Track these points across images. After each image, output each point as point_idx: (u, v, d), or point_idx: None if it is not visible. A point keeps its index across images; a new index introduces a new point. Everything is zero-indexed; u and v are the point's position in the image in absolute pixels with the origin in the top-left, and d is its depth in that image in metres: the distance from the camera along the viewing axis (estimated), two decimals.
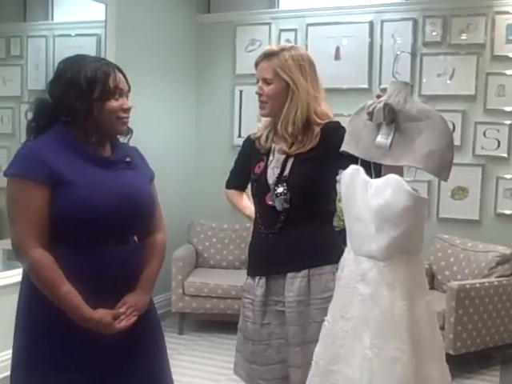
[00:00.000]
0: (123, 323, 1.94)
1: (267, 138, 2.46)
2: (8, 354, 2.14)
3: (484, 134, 4.71)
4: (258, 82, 2.41)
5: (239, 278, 4.41)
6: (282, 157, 2.40)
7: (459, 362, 3.82)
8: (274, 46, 2.44)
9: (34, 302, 1.93)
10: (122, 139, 2.11)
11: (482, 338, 4.06)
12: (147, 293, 2.06)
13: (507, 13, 4.63)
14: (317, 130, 2.35)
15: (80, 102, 1.90)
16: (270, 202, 2.37)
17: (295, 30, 5.22)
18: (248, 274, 2.50)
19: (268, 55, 2.37)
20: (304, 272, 2.35)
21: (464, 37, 4.74)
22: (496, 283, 4.11)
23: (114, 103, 1.95)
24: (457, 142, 4.56)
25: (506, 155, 4.68)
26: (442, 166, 1.95)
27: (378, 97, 2.09)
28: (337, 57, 5.08)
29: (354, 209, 2.08)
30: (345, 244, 2.20)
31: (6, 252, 3.89)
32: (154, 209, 2.12)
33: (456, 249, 4.51)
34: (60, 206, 1.87)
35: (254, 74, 2.43)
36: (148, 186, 2.12)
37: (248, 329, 2.44)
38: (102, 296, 1.91)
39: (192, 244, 5.22)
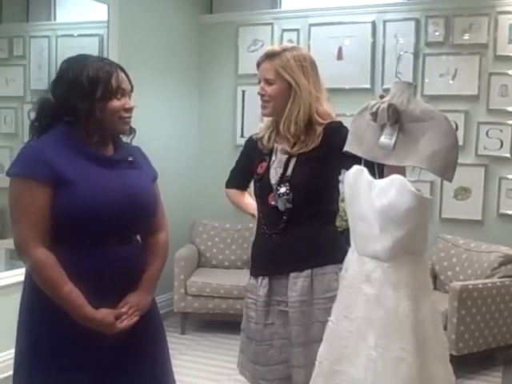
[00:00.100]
0: (125, 323, 1.94)
1: (269, 138, 2.46)
2: (10, 353, 2.14)
3: (487, 134, 4.71)
4: (259, 83, 2.41)
5: (241, 278, 4.42)
6: (285, 157, 2.39)
7: (461, 363, 3.81)
8: (276, 47, 2.44)
9: (37, 302, 1.93)
10: (124, 139, 2.12)
11: (484, 339, 4.06)
12: (149, 293, 2.06)
13: (510, 13, 4.62)
14: (319, 129, 2.35)
15: (82, 102, 1.90)
16: (273, 202, 2.37)
17: (297, 30, 5.21)
18: (251, 274, 2.50)
19: (270, 55, 2.37)
20: (307, 272, 2.34)
21: (467, 37, 4.73)
22: (499, 284, 4.11)
23: (116, 103, 1.95)
24: (460, 142, 4.50)
25: (508, 155, 4.67)
26: (446, 167, 1.95)
27: (381, 97, 2.08)
28: (339, 57, 5.08)
29: (357, 209, 2.07)
30: (347, 244, 2.20)
31: (8, 251, 3.89)
32: (156, 208, 2.11)
33: (459, 249, 4.50)
34: (62, 205, 1.87)
35: (257, 75, 2.43)
36: (150, 185, 2.12)
37: (251, 329, 2.44)
38: (104, 296, 1.91)
39: (194, 244, 5.22)
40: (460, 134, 4.63)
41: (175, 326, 4.77)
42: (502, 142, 4.67)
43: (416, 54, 4.79)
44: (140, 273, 2.05)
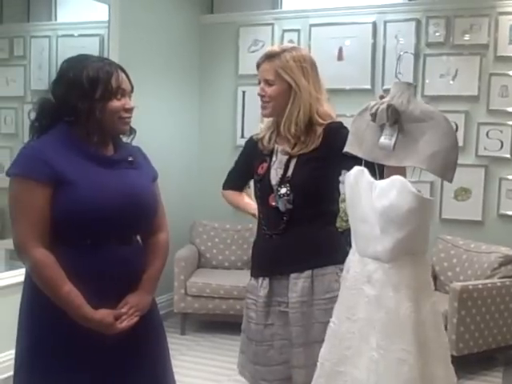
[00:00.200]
0: (125, 323, 1.94)
1: (270, 138, 2.46)
2: (11, 354, 2.14)
3: (487, 134, 4.71)
4: (259, 83, 2.41)
5: (241, 279, 4.42)
6: (285, 157, 2.39)
7: (461, 363, 3.80)
8: (276, 47, 2.43)
9: (37, 303, 1.93)
10: (125, 139, 2.11)
11: (484, 339, 4.06)
12: (149, 293, 2.06)
13: (510, 13, 4.62)
14: (319, 130, 2.35)
15: (82, 102, 1.90)
16: (274, 203, 2.37)
17: (298, 31, 5.22)
18: (251, 275, 2.50)
19: (269, 56, 2.37)
20: (307, 273, 2.34)
21: (467, 37, 4.73)
22: (499, 284, 4.11)
23: (116, 103, 1.95)
24: (460, 143, 4.51)
25: (509, 156, 4.67)
26: (446, 167, 1.94)
27: (381, 97, 2.08)
28: (340, 57, 5.08)
29: (358, 210, 2.07)
30: (348, 245, 2.19)
31: (8, 252, 3.89)
32: (156, 208, 2.11)
33: (459, 250, 4.50)
34: (62, 205, 1.87)
35: (257, 75, 2.43)
36: (151, 185, 2.12)
37: (251, 329, 2.44)
38: (104, 296, 1.91)
39: (194, 244, 5.22)
40: (460, 134, 4.63)
41: (175, 327, 4.77)
42: (502, 142, 4.67)
43: (416, 55, 4.79)
44: (140, 273, 2.05)
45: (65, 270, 1.86)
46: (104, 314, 1.90)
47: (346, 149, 2.15)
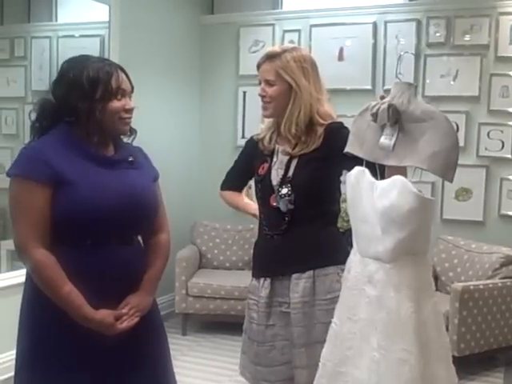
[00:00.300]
0: (125, 324, 1.94)
1: (270, 139, 2.46)
2: (12, 354, 2.14)
3: (488, 135, 4.70)
4: (260, 84, 2.41)
5: (242, 279, 4.43)
6: (286, 158, 2.39)
7: (463, 364, 3.79)
8: (276, 48, 2.44)
9: (37, 303, 1.93)
10: (125, 139, 2.11)
11: (485, 340, 4.05)
12: (150, 294, 2.06)
13: (511, 13, 4.61)
14: (320, 130, 2.35)
15: (82, 102, 1.90)
16: (275, 204, 2.37)
17: (299, 31, 5.21)
18: (253, 276, 2.50)
19: (270, 57, 2.37)
20: (309, 273, 2.34)
21: (468, 38, 4.73)
22: (500, 284, 4.10)
23: (116, 103, 1.95)
24: (461, 143, 4.49)
25: (509, 156, 4.66)
26: (446, 167, 1.94)
27: (382, 98, 2.08)
28: (340, 58, 5.08)
29: (360, 210, 2.07)
30: (349, 245, 2.19)
31: (9, 253, 3.89)
32: (157, 208, 2.11)
33: (460, 250, 4.50)
34: (62, 206, 1.87)
35: (257, 75, 2.43)
36: (151, 185, 2.11)
37: (253, 330, 2.44)
38: (105, 296, 1.91)
39: (195, 245, 5.22)
40: (461, 134, 4.62)
41: (176, 327, 4.77)
42: (503, 142, 4.67)
43: (417, 55, 4.79)
44: (141, 274, 2.04)
45: (65, 271, 1.86)
46: (104, 315, 1.90)
47: (347, 149, 2.14)
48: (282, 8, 5.43)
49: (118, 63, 2.05)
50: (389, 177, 2.00)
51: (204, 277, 4.90)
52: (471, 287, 3.99)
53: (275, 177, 2.40)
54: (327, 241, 2.40)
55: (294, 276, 2.35)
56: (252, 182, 2.57)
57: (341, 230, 2.50)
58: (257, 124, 2.64)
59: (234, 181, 2.66)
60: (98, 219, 1.89)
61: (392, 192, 1.93)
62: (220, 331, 4.80)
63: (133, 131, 2.09)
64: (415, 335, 1.93)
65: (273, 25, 5.32)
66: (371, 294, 2.00)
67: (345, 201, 2.20)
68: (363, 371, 1.99)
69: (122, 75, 1.99)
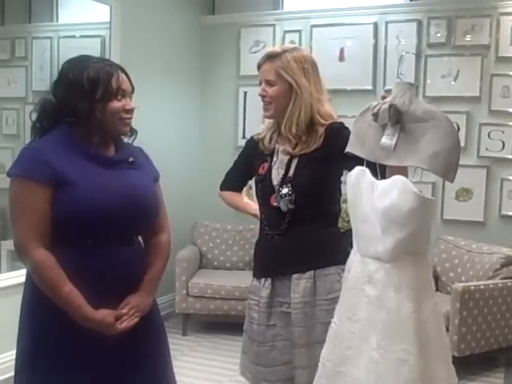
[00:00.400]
0: (125, 324, 1.94)
1: (271, 138, 2.46)
2: (12, 354, 2.14)
3: (488, 135, 4.70)
4: (260, 84, 2.41)
5: (243, 279, 4.43)
6: (286, 157, 2.39)
7: (463, 364, 3.80)
8: (277, 48, 2.44)
9: (38, 303, 1.93)
10: (126, 140, 2.11)
11: (486, 340, 4.05)
12: (150, 294, 2.06)
13: None
14: (321, 130, 2.35)
15: (82, 103, 1.90)
16: (275, 203, 2.37)
17: (299, 32, 5.21)
18: (254, 276, 2.50)
19: (270, 57, 2.37)
20: (309, 273, 2.34)
21: (468, 38, 4.73)
22: (500, 285, 4.10)
23: (116, 104, 1.94)
24: (461, 144, 4.52)
25: (510, 156, 4.66)
26: (447, 167, 1.94)
27: (383, 98, 2.08)
28: (341, 58, 5.08)
29: (360, 210, 2.07)
30: (349, 245, 2.19)
31: (10, 253, 3.90)
32: (158, 208, 2.11)
33: (460, 250, 4.50)
34: (63, 206, 1.87)
35: (258, 76, 2.43)
36: (152, 185, 2.11)
37: (253, 330, 2.44)
38: (105, 296, 1.91)
39: (196, 245, 5.22)
40: (462, 135, 4.62)
41: (177, 328, 4.77)
42: (503, 143, 4.67)
43: (418, 55, 4.79)
44: (141, 274, 2.04)
45: (65, 271, 1.86)
46: (105, 314, 1.90)
47: (348, 149, 2.14)
48: (282, 8, 5.43)
49: (118, 64, 2.05)
50: (389, 177, 2.00)
51: (204, 277, 4.90)
52: (472, 287, 3.99)
53: (276, 176, 2.40)
54: (328, 241, 2.40)
55: (295, 276, 2.35)
56: (252, 182, 2.57)
57: (341, 231, 2.50)
58: (257, 124, 2.64)
59: (234, 181, 2.66)
60: (99, 219, 1.89)
61: (392, 192, 1.93)
62: (220, 331, 4.80)
63: (133, 131, 2.09)
64: (415, 335, 1.93)
65: (273, 25, 5.32)
66: (371, 294, 2.00)
67: (345, 201, 2.20)
68: (362, 371, 1.99)
69: (123, 75, 1.99)
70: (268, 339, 2.40)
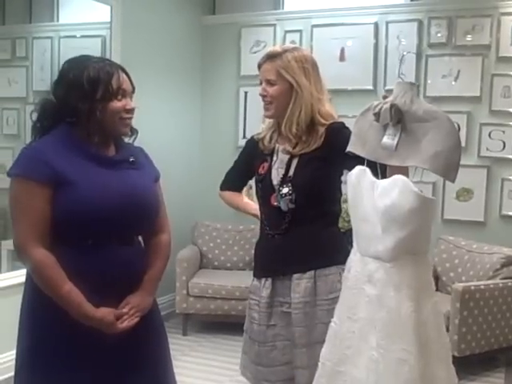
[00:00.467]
0: (125, 323, 1.94)
1: (271, 138, 2.46)
2: (12, 354, 2.14)
3: (489, 135, 4.70)
4: (261, 84, 2.41)
5: (243, 279, 4.43)
6: (286, 157, 2.39)
7: (463, 364, 3.80)
8: (277, 48, 2.43)
9: (38, 303, 1.93)
10: (126, 140, 2.11)
11: (486, 340, 4.05)
12: (150, 294, 2.06)
13: None
14: (321, 130, 2.35)
15: (83, 103, 1.90)
16: (275, 203, 2.37)
17: (300, 32, 5.21)
18: (254, 276, 2.49)
19: (271, 56, 2.37)
20: (310, 273, 2.34)
21: (469, 38, 4.73)
22: (501, 285, 4.10)
23: (116, 104, 1.94)
24: (462, 144, 4.53)
25: (511, 157, 4.66)
26: (448, 167, 1.94)
27: (385, 97, 2.08)
28: (342, 58, 5.08)
29: (360, 210, 2.07)
30: (350, 245, 2.19)
31: (10, 252, 3.90)
32: (158, 208, 2.11)
33: (461, 250, 4.50)
34: (63, 206, 1.87)
35: (259, 76, 2.43)
36: (152, 185, 2.11)
37: (254, 330, 2.44)
38: (105, 296, 1.91)
39: (196, 245, 5.22)
40: (462, 135, 4.61)
41: (177, 327, 4.77)
42: (504, 143, 4.66)
43: (418, 55, 4.78)
44: (141, 274, 2.04)
45: (66, 271, 1.86)
46: (105, 313, 1.90)
47: (349, 149, 2.14)
48: (283, 8, 5.43)
49: (119, 63, 2.05)
50: (390, 176, 2.00)
51: (205, 277, 4.90)
52: (472, 287, 3.99)
53: (276, 176, 2.40)
54: (328, 241, 2.40)
55: (295, 276, 2.35)
56: (252, 182, 2.57)
57: (342, 230, 2.50)
58: (258, 124, 2.64)
59: (234, 181, 2.66)
60: (99, 219, 1.89)
61: (393, 191, 1.93)
62: (221, 331, 4.80)
63: (134, 131, 2.09)
64: (415, 335, 1.93)
65: (274, 25, 5.31)
66: (371, 293, 2.00)
67: (346, 201, 2.20)
68: (361, 370, 1.99)
69: (123, 75, 1.98)
70: (268, 339, 2.40)
